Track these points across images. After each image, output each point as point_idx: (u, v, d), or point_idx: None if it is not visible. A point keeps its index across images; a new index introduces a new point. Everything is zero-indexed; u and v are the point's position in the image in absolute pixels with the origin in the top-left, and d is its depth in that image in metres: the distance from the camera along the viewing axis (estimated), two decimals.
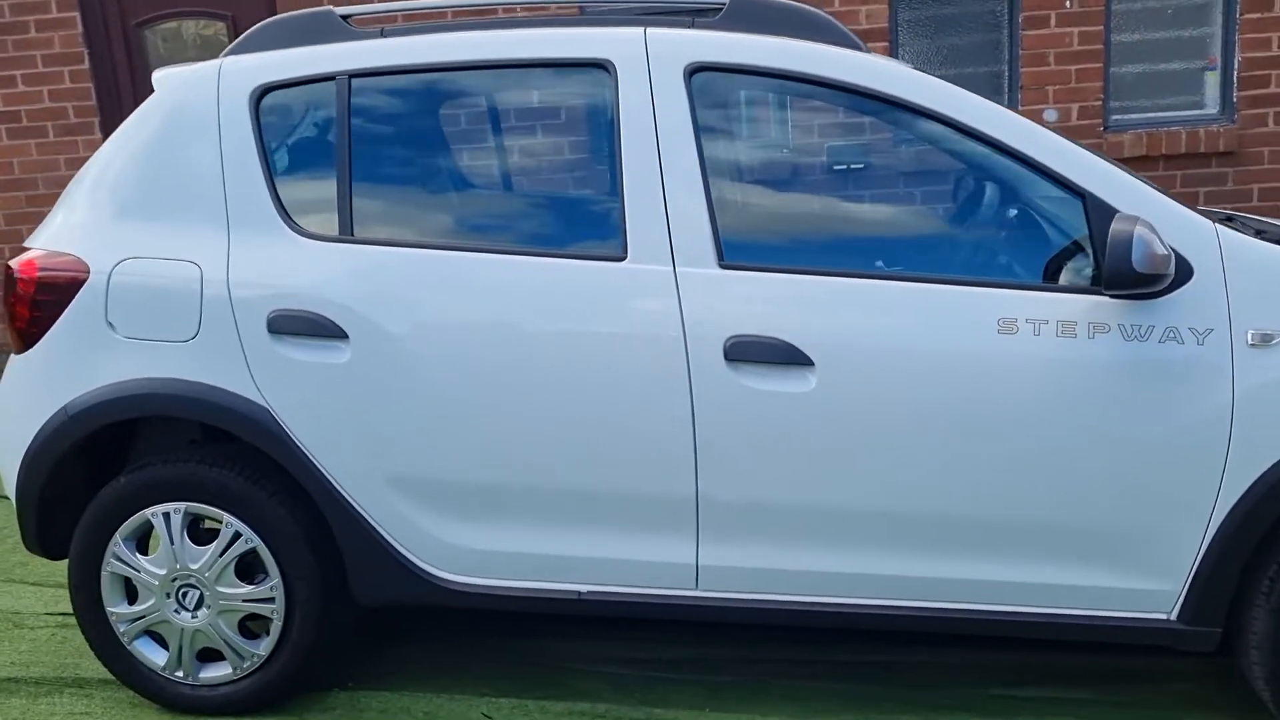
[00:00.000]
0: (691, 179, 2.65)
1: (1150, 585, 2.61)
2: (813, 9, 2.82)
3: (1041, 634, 2.72)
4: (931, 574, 2.67)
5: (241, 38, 3.01)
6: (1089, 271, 2.59)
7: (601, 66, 2.74)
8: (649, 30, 2.75)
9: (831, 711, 2.91)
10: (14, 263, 2.95)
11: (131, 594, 2.99)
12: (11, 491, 3.01)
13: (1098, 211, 2.54)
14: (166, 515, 2.90)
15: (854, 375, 2.57)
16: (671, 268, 2.64)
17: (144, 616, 2.97)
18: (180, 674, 2.99)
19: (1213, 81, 5.61)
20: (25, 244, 3.05)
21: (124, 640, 2.99)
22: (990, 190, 2.98)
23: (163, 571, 2.93)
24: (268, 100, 2.88)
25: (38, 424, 2.91)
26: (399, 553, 2.84)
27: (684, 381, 2.62)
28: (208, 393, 2.80)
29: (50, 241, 2.95)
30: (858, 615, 2.73)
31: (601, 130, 2.80)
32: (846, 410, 2.59)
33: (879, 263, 2.86)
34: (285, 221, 2.81)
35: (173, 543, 2.90)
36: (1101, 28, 5.45)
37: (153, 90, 3.01)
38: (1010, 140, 2.60)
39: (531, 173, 3.15)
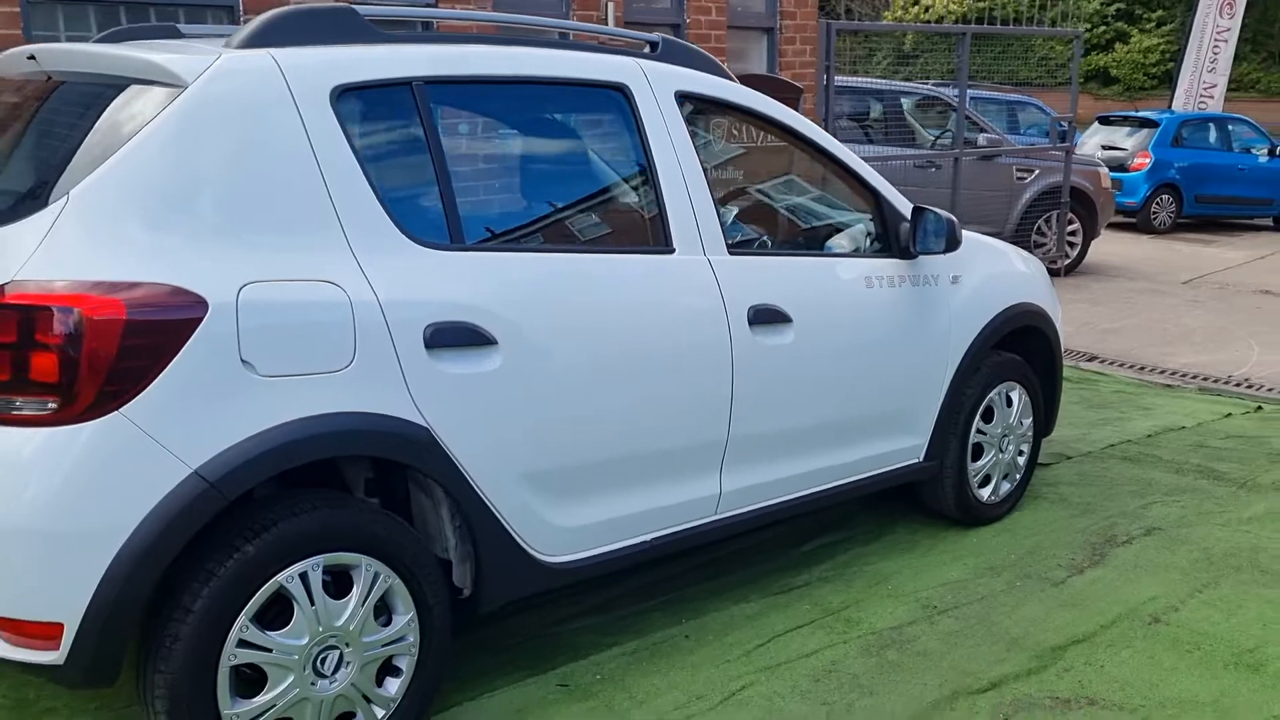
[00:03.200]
0: (700, 183, 3.29)
1: (914, 441, 4.09)
2: (704, 51, 3.60)
3: (861, 493, 4.01)
4: (832, 462, 3.77)
5: (258, 28, 2.64)
6: (876, 244, 3.92)
7: (619, 88, 3.19)
8: (640, 61, 3.28)
9: (746, 595, 3.79)
10: (55, 304, 2.21)
11: (244, 686, 2.49)
12: (78, 609, 2.25)
13: (887, 205, 3.89)
14: (304, 575, 2.52)
15: (813, 326, 3.53)
16: (705, 256, 3.27)
17: (274, 706, 2.52)
18: None
19: None
20: (12, 279, 2.25)
21: None
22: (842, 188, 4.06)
23: (303, 641, 2.53)
24: (345, 102, 2.65)
25: (146, 504, 2.27)
26: (523, 546, 2.93)
27: (727, 346, 3.29)
28: (378, 422, 2.56)
29: (87, 269, 2.27)
30: (789, 507, 3.69)
31: (629, 141, 3.19)
32: (811, 352, 3.54)
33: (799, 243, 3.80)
34: (402, 232, 2.67)
35: (313, 604, 2.54)
36: None
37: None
38: (843, 158, 3.81)
39: (584, 179, 3.12)
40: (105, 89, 2.59)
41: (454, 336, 2.69)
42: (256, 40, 2.62)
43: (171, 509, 2.29)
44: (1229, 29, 21.49)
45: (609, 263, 3.08)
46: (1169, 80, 33.21)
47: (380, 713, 2.71)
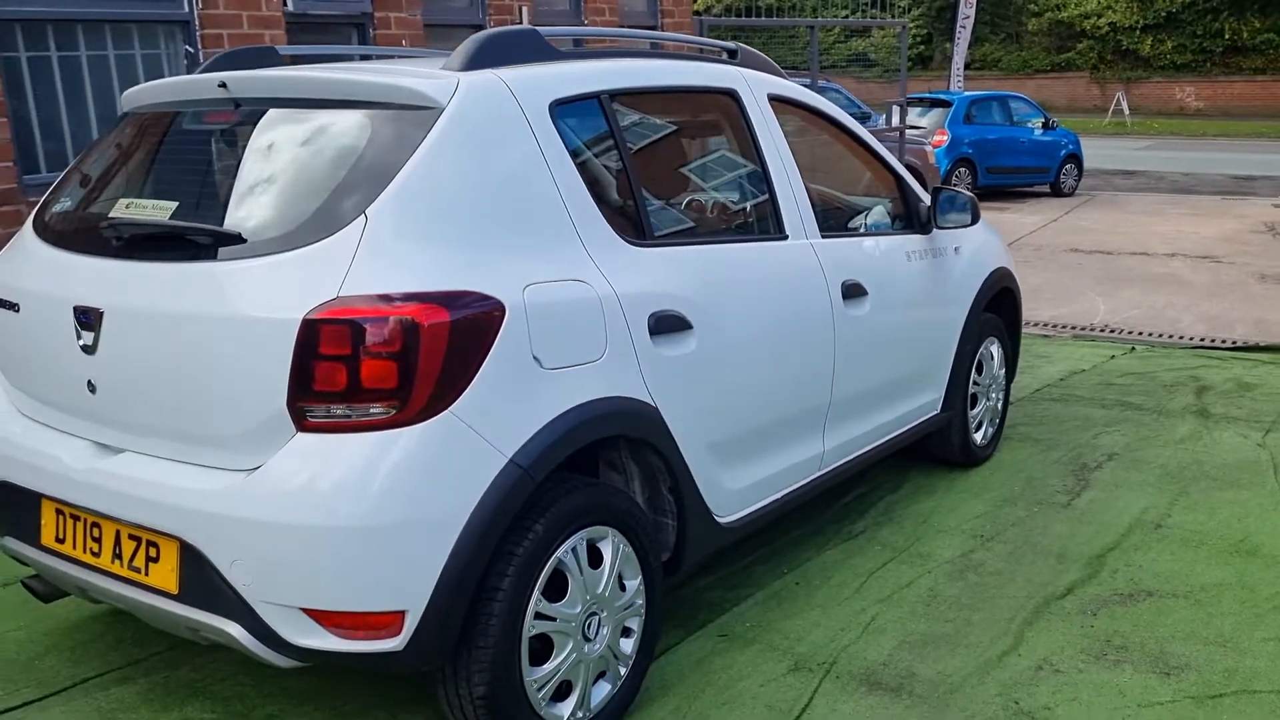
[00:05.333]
0: (796, 176, 3.68)
1: (935, 395, 4.62)
2: (766, 56, 3.98)
3: (903, 445, 4.49)
4: (889, 417, 4.25)
5: (474, 51, 2.85)
6: (896, 224, 4.42)
7: (730, 93, 3.53)
8: (740, 69, 3.63)
9: (824, 544, 4.23)
10: (389, 315, 2.37)
11: (534, 654, 2.72)
12: (422, 596, 2.43)
13: (908, 187, 4.39)
14: (574, 549, 2.77)
15: (881, 296, 3.99)
16: (807, 240, 3.66)
17: (560, 670, 2.75)
18: (583, 714, 2.85)
19: None
20: (337, 295, 2.40)
21: (540, 711, 2.71)
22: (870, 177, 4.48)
23: (577, 610, 2.78)
24: (558, 115, 2.88)
25: (476, 493, 2.47)
26: (709, 509, 3.25)
27: (830, 317, 3.70)
28: (628, 405, 2.83)
29: (402, 281, 2.44)
30: (862, 460, 4.14)
31: (744, 140, 3.52)
32: (880, 320, 3.99)
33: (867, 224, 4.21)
34: (615, 231, 2.93)
35: (581, 574, 2.79)
36: None
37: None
38: (875, 146, 4.28)
39: (719, 175, 3.29)
40: (342, 113, 2.71)
41: (668, 324, 2.98)
42: (476, 62, 2.82)
43: (496, 495, 2.49)
44: (969, 17, 23.62)
45: (751, 250, 3.43)
46: (922, 62, 35.96)
47: (622, 670, 2.98)
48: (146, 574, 2.64)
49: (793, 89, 3.88)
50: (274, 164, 2.71)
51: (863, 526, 4.41)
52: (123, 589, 2.69)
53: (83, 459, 2.75)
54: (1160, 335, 7.72)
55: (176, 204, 2.76)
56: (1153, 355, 7.17)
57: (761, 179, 3.56)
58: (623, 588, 2.95)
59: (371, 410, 2.40)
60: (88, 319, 2.69)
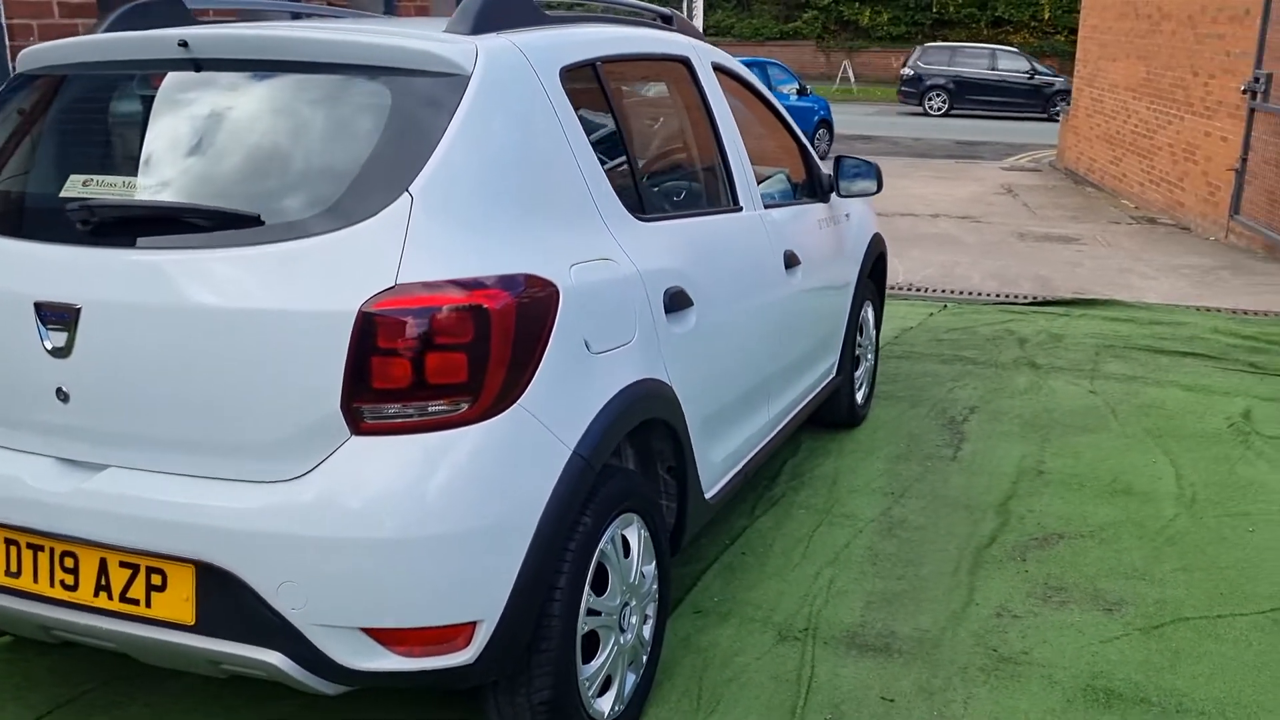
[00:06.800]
0: (742, 147, 3.66)
1: (833, 359, 4.75)
2: (695, 27, 3.92)
3: (812, 410, 4.59)
4: (809, 382, 4.33)
5: (476, 14, 2.61)
6: (799, 192, 4.48)
7: (684, 61, 3.46)
8: (686, 37, 3.55)
9: (752, 511, 4.27)
10: (456, 303, 2.17)
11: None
12: (498, 604, 2.26)
13: (811, 156, 4.47)
14: (613, 540, 2.65)
15: (809, 265, 4.05)
16: (756, 212, 3.66)
17: (605, 664, 2.64)
18: (619, 707, 2.75)
19: None
20: (395, 283, 2.17)
21: (589, 709, 2.60)
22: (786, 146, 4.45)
23: (617, 601, 2.67)
24: (568, 83, 2.72)
25: (546, 489, 2.32)
26: (701, 485, 3.20)
27: (779, 288, 3.72)
28: (656, 387, 2.73)
29: (459, 265, 2.24)
30: (792, 426, 4.21)
31: (700, 111, 3.43)
32: (809, 288, 4.06)
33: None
34: (623, 205, 2.81)
35: (619, 564, 2.68)
36: None
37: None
38: (786, 116, 4.32)
39: (685, 147, 2.94)
40: (345, 79, 2.44)
41: (678, 301, 2.89)
42: (480, 25, 2.60)
43: (565, 490, 2.34)
44: None
45: (721, 222, 3.38)
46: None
47: (644, 658, 2.90)
48: (148, 605, 2.31)
49: (727, 58, 3.84)
50: (273, 136, 2.41)
51: (780, 491, 4.48)
52: (113, 625, 2.35)
53: (51, 479, 2.37)
54: (961, 292, 8.26)
55: (154, 181, 2.40)
56: (964, 311, 7.66)
57: (718, 151, 3.51)
58: (643, 574, 2.87)
59: (437, 407, 2.19)
60: (58, 317, 2.31)
